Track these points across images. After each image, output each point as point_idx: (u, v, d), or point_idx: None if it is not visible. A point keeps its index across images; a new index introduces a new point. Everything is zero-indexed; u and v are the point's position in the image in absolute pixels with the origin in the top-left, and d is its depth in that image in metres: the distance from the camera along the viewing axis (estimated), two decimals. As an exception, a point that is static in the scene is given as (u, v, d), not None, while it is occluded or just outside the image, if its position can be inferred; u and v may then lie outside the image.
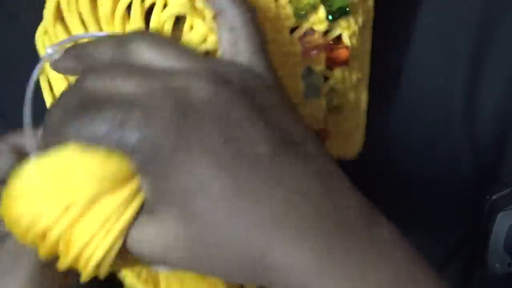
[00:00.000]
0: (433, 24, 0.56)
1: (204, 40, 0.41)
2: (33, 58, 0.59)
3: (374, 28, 0.55)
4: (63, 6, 0.45)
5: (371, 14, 0.52)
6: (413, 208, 0.56)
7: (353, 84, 0.51)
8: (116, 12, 0.43)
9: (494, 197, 0.54)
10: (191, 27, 0.42)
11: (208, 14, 0.41)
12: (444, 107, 0.56)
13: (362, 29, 0.50)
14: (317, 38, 0.47)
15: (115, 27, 0.43)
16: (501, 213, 0.54)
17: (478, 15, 0.55)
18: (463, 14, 0.56)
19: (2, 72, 0.59)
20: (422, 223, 0.56)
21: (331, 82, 0.49)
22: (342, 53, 0.48)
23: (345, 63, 0.49)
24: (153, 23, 0.42)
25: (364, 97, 0.53)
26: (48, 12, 0.46)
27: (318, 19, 0.47)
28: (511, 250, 0.54)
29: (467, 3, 0.56)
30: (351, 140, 0.53)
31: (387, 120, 0.55)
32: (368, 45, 0.53)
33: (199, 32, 0.41)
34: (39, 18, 0.60)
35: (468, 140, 0.56)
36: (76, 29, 0.44)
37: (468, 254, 0.57)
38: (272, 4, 0.45)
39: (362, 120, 0.53)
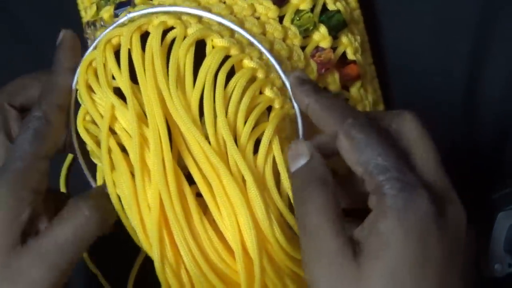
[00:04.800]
0: (433, 24, 0.56)
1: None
2: (34, 55, 0.59)
3: (374, 28, 0.55)
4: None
5: (366, 38, 0.55)
6: None
7: (371, 107, 0.53)
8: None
9: (494, 197, 0.54)
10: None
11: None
12: (444, 106, 0.56)
13: (361, 49, 0.53)
14: (327, 53, 0.49)
15: None
16: (501, 213, 0.53)
17: (478, 15, 0.55)
18: (463, 13, 0.56)
19: (3, 70, 0.60)
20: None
21: (351, 103, 0.52)
22: (352, 69, 0.51)
23: (357, 78, 0.51)
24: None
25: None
26: None
27: (322, 36, 0.49)
28: (511, 250, 0.53)
29: (467, 3, 0.55)
30: None
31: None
32: (372, 69, 0.55)
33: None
34: (40, 17, 0.60)
35: (468, 139, 0.56)
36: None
37: (468, 255, 0.57)
38: (279, 27, 0.48)
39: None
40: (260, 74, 0.45)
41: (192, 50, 0.44)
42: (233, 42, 0.44)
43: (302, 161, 0.42)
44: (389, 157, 0.39)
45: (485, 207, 0.55)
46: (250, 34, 0.46)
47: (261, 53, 0.45)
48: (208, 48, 0.45)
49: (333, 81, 0.50)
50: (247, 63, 0.45)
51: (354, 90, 0.52)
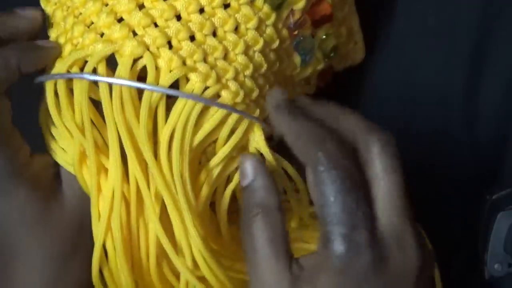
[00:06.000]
0: (433, 24, 0.56)
1: None
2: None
3: (374, 29, 0.55)
4: None
5: None
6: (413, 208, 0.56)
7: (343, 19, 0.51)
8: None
9: (494, 197, 0.54)
10: None
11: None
12: (444, 107, 0.56)
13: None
14: (298, 14, 0.47)
15: None
16: (501, 213, 0.54)
17: (478, 15, 0.55)
18: (463, 14, 0.56)
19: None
20: (422, 223, 0.56)
21: (320, 33, 0.49)
22: (325, 9, 0.48)
23: (329, 18, 0.49)
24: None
25: (354, 17, 0.53)
26: None
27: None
28: (511, 250, 0.54)
29: (466, 3, 0.56)
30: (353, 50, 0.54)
31: (388, 120, 0.55)
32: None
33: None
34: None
35: (468, 140, 0.56)
36: None
37: (468, 254, 0.57)
38: (251, 11, 0.45)
39: (359, 34, 0.54)
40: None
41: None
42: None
43: (246, 181, 0.43)
44: (345, 208, 0.39)
45: (485, 207, 0.55)
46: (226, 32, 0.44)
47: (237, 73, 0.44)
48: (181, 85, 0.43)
49: (306, 28, 0.48)
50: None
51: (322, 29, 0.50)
